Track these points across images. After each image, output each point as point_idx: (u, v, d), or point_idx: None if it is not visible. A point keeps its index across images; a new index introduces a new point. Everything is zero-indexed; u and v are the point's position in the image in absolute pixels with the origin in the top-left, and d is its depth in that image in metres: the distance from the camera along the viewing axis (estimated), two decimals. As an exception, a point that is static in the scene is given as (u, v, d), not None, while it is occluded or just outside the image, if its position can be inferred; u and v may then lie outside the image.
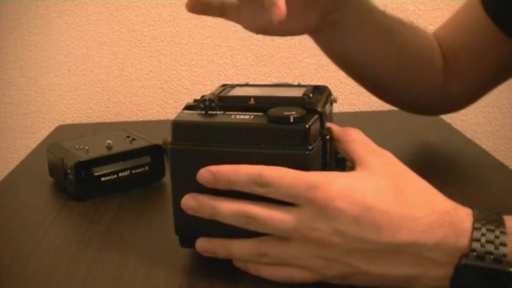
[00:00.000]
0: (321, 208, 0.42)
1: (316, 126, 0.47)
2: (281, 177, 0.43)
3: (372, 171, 0.44)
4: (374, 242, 0.42)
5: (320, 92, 0.53)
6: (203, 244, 0.48)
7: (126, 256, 0.53)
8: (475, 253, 0.40)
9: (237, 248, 0.47)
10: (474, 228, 0.41)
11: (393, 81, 0.70)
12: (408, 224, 0.42)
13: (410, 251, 0.42)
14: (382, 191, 0.43)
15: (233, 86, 0.55)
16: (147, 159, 0.68)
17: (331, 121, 0.53)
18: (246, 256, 0.47)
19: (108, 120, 1.03)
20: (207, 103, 0.49)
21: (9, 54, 1.00)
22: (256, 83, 0.58)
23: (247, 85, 0.56)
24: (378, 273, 0.43)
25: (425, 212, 0.42)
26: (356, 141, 0.48)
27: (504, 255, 0.40)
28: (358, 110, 1.01)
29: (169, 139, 0.49)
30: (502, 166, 0.70)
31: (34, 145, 0.91)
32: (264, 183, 0.43)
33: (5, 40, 0.99)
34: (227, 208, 0.45)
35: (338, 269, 0.44)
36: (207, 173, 0.46)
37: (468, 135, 0.88)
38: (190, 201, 0.47)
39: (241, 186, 0.45)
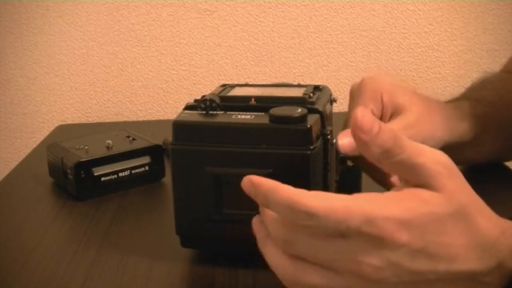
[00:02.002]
0: (376, 242, 0.37)
1: (318, 125, 0.47)
2: (328, 209, 0.36)
3: (436, 196, 0.38)
4: (429, 273, 0.38)
5: (320, 92, 0.53)
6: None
7: (126, 256, 0.53)
8: None
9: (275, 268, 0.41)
10: None
11: None
12: (467, 253, 0.38)
13: (465, 278, 0.39)
14: (445, 222, 0.38)
15: (233, 86, 0.55)
16: (147, 159, 0.68)
17: (331, 121, 0.53)
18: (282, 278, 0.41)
19: (108, 120, 1.03)
20: (208, 103, 0.49)
21: (9, 54, 1.00)
22: (256, 83, 0.58)
23: (247, 85, 0.56)
24: None
25: (485, 239, 0.39)
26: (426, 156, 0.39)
27: None
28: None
29: (169, 139, 0.48)
30: None
31: (34, 145, 0.91)
32: (308, 215, 0.37)
33: (5, 40, 0.99)
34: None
35: None
36: (248, 183, 0.41)
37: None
38: (247, 185, 0.41)
39: (279, 210, 0.39)
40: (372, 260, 0.37)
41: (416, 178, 0.38)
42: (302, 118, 0.46)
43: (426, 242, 0.37)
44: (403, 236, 0.36)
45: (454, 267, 0.38)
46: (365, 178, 0.56)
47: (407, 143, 0.38)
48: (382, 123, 0.37)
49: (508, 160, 0.71)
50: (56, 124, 1.00)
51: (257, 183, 0.40)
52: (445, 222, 0.37)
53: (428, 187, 0.38)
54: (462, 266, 0.38)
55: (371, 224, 0.36)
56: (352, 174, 0.54)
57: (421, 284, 0.38)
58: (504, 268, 0.39)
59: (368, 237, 0.37)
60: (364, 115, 0.37)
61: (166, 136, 0.72)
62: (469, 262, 0.38)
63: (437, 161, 0.38)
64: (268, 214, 0.41)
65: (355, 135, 0.37)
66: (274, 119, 0.46)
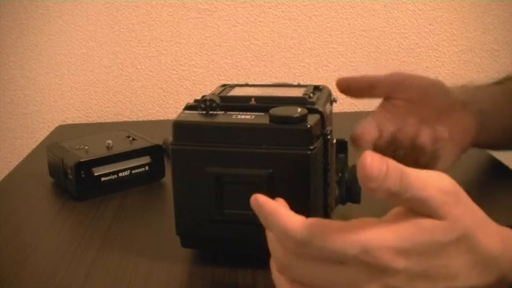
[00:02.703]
0: (374, 269, 0.37)
1: (318, 125, 0.47)
2: (326, 235, 0.37)
3: (440, 225, 0.38)
4: None
5: (320, 92, 0.53)
6: None
7: (126, 256, 0.53)
8: None
9: None
10: None
11: None
12: (468, 271, 0.38)
13: None
14: (447, 248, 0.37)
15: (233, 86, 0.55)
16: (147, 159, 0.68)
17: (331, 121, 0.53)
18: None
19: (108, 120, 1.03)
20: (208, 103, 0.49)
21: (9, 54, 1.00)
22: (256, 83, 0.58)
23: (247, 85, 0.56)
24: None
25: (487, 256, 0.39)
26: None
27: None
28: (358, 110, 1.01)
29: (170, 139, 0.48)
30: None
31: (34, 145, 0.91)
32: (302, 244, 0.37)
33: (5, 40, 0.99)
34: None
35: None
36: (254, 201, 0.41)
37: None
38: (253, 203, 0.41)
39: (277, 234, 0.39)
40: (371, 287, 0.37)
41: (423, 210, 0.37)
42: (302, 118, 0.46)
43: (426, 267, 0.37)
44: (401, 263, 0.37)
45: (454, 285, 0.38)
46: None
47: (413, 180, 0.37)
48: (390, 162, 0.36)
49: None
50: (56, 124, 1.00)
51: (261, 203, 0.40)
52: (447, 247, 0.37)
53: (433, 216, 0.37)
54: (462, 284, 0.38)
55: (368, 254, 0.36)
56: (352, 173, 0.54)
57: None
58: (505, 280, 0.39)
59: (366, 264, 0.37)
60: (373, 161, 0.35)
61: (166, 136, 0.72)
62: (469, 279, 0.38)
63: (443, 191, 0.37)
64: (270, 235, 0.41)
65: (362, 183, 0.36)
66: (274, 119, 0.46)
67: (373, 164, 0.35)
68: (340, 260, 0.37)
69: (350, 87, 0.59)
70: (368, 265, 0.36)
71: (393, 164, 0.36)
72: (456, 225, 0.37)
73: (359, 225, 0.37)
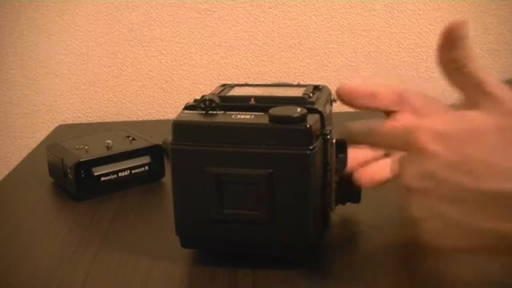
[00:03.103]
0: (415, 150, 0.40)
1: (317, 125, 0.47)
2: (379, 125, 0.45)
3: (481, 115, 0.39)
4: (472, 190, 0.37)
5: (320, 92, 0.53)
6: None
7: (126, 256, 0.53)
8: None
9: None
10: None
11: None
12: None
13: None
14: (484, 139, 0.38)
15: (232, 86, 0.55)
16: (147, 159, 0.68)
17: (331, 121, 0.53)
18: None
19: (108, 120, 1.03)
20: (207, 103, 0.49)
21: (9, 54, 1.00)
22: (255, 83, 0.58)
23: (246, 85, 0.56)
24: (478, 228, 0.38)
25: None
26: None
27: None
28: (358, 110, 1.01)
29: (169, 139, 0.48)
30: None
31: (34, 145, 0.91)
32: (371, 134, 0.46)
33: (5, 40, 0.99)
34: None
35: (433, 223, 0.39)
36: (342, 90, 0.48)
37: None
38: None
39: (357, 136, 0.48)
40: (412, 167, 0.40)
41: (473, 95, 0.40)
42: (302, 118, 0.46)
43: (464, 157, 0.38)
44: (437, 147, 0.38)
45: (504, 186, 0.37)
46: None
47: (476, 63, 0.41)
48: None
49: None
50: (56, 124, 1.00)
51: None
52: (485, 139, 0.38)
53: (480, 105, 0.40)
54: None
55: (410, 134, 0.40)
56: (352, 173, 0.54)
57: (469, 204, 0.38)
58: None
59: (410, 146, 0.40)
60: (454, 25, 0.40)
61: (166, 136, 0.72)
62: None
63: (497, 84, 0.40)
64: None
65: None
66: (274, 119, 0.46)
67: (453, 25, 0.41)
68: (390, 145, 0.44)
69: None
70: (411, 146, 0.40)
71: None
72: (502, 116, 0.38)
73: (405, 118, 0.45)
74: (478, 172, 0.37)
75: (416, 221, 0.40)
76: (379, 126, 0.45)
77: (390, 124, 0.45)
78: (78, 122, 1.03)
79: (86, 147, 0.68)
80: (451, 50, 0.41)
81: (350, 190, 0.54)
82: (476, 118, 0.39)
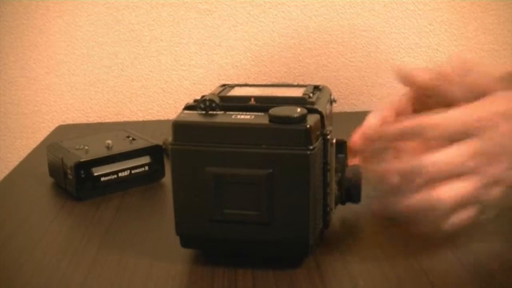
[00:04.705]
0: (490, 133, 0.47)
1: (317, 125, 0.47)
2: (446, 118, 0.48)
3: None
4: None
5: (320, 92, 0.53)
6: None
7: (126, 256, 0.53)
8: None
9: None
10: None
11: None
12: None
13: None
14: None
15: (232, 86, 0.55)
16: (147, 159, 0.68)
17: (331, 121, 0.53)
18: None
19: (108, 120, 1.03)
20: (207, 103, 0.49)
21: (9, 54, 1.00)
22: (255, 83, 0.58)
23: (246, 85, 0.56)
24: None
25: None
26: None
27: None
28: (358, 110, 1.01)
29: (169, 139, 0.48)
30: None
31: (34, 145, 0.91)
32: (433, 127, 0.48)
33: (5, 40, 0.99)
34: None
35: (500, 191, 0.48)
36: (368, 131, 0.53)
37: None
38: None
39: (410, 136, 0.50)
40: (492, 147, 0.47)
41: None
42: (302, 118, 0.46)
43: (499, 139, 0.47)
44: (507, 125, 0.47)
45: None
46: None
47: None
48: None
49: None
50: (56, 124, 1.00)
51: (376, 132, 0.53)
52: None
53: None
54: None
55: (484, 119, 0.47)
56: (352, 174, 0.54)
57: None
58: None
59: (484, 130, 0.47)
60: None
61: (166, 136, 0.72)
62: None
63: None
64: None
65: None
66: (274, 119, 0.46)
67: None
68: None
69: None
70: (482, 128, 0.47)
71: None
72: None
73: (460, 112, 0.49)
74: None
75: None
76: (441, 120, 0.48)
77: (455, 116, 0.48)
78: (78, 122, 1.03)
79: (86, 147, 0.68)
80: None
81: (350, 190, 0.54)
82: (504, 98, 0.49)
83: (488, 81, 0.53)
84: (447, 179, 0.48)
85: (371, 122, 0.56)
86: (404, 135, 0.50)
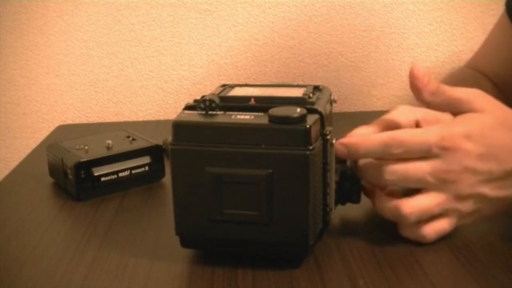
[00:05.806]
0: (451, 151, 0.49)
1: (317, 126, 0.47)
2: (412, 137, 0.50)
3: (481, 114, 0.50)
4: (499, 171, 0.50)
5: (320, 92, 0.53)
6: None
7: (126, 256, 0.53)
8: None
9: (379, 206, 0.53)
10: None
11: None
12: None
13: None
14: (496, 130, 0.50)
15: (232, 86, 0.55)
16: (147, 159, 0.68)
17: (330, 121, 0.53)
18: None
19: (108, 120, 1.03)
20: (207, 103, 0.49)
21: (9, 54, 1.00)
22: (255, 83, 0.58)
23: (246, 85, 0.56)
24: (502, 196, 0.51)
25: None
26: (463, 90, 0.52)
27: None
28: (358, 110, 1.01)
29: (169, 139, 0.48)
30: None
31: (34, 145, 0.91)
32: (399, 145, 0.49)
33: (5, 40, 0.99)
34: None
35: (471, 203, 0.51)
36: (340, 147, 0.51)
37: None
38: (342, 149, 0.52)
39: (377, 154, 0.51)
40: (454, 167, 0.49)
41: (462, 108, 0.51)
42: (302, 118, 0.46)
43: (487, 147, 0.49)
44: (468, 145, 0.49)
45: None
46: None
47: (447, 88, 0.52)
48: (431, 75, 0.51)
49: None
50: (56, 124, 1.00)
51: (348, 142, 0.51)
52: (496, 130, 0.50)
53: (473, 111, 0.50)
54: None
55: (445, 141, 0.49)
56: (352, 174, 0.54)
57: (495, 182, 0.50)
58: None
59: (445, 151, 0.49)
60: (419, 68, 0.51)
61: (166, 136, 0.72)
62: None
63: (471, 92, 0.51)
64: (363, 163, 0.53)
65: (412, 83, 0.52)
66: (274, 119, 0.46)
67: (419, 70, 0.51)
68: (426, 154, 0.49)
69: None
70: (446, 149, 0.49)
71: (432, 76, 0.52)
72: (493, 113, 0.51)
73: (432, 129, 0.51)
74: (500, 157, 0.49)
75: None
76: (407, 138, 0.50)
77: (420, 135, 0.50)
78: (78, 122, 1.03)
79: (86, 147, 0.68)
80: (420, 93, 0.52)
81: (349, 190, 0.54)
82: (478, 116, 0.50)
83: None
84: (410, 191, 0.51)
85: (354, 134, 0.55)
86: (370, 154, 0.51)
